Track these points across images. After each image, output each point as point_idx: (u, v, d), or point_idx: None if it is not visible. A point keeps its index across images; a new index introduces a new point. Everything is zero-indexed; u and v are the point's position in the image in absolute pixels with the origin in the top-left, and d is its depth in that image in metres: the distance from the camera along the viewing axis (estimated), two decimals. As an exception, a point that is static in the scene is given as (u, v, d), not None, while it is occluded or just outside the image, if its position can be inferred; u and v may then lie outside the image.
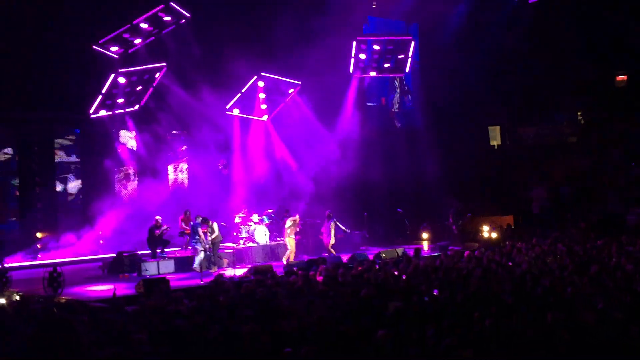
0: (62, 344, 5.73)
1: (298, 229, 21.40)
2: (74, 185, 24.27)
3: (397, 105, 31.54)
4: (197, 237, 19.31)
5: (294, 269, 16.52)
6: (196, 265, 19.11)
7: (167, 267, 19.57)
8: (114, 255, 20.05)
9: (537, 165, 31.09)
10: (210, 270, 19.04)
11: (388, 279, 13.48)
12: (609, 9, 30.10)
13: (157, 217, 20.19)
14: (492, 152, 32.98)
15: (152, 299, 12.27)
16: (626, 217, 25.29)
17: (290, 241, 21.01)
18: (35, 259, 21.48)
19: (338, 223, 22.06)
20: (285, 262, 19.47)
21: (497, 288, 11.93)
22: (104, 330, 9.59)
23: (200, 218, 19.66)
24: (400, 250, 20.97)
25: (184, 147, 25.32)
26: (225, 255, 20.92)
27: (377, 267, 15.88)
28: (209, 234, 19.60)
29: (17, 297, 14.30)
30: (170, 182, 25.80)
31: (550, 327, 8.80)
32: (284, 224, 22.84)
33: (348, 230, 22.62)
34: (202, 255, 19.08)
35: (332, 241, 21.84)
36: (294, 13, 23.90)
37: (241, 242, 22.33)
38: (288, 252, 20.99)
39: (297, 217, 21.40)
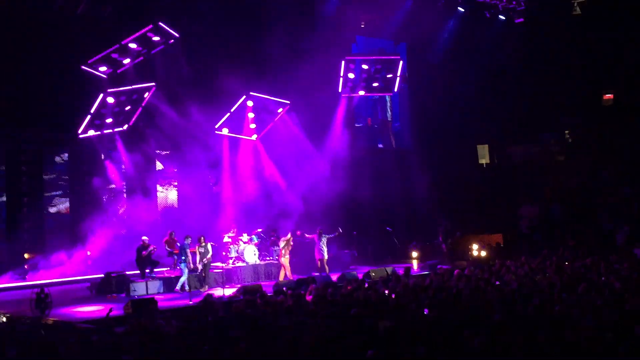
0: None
1: (290, 248, 21.40)
2: (62, 205, 24.14)
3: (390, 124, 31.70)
4: (184, 257, 19.30)
5: (284, 288, 16.49)
6: (179, 286, 19.12)
7: (155, 287, 19.49)
8: (102, 275, 19.93)
9: (526, 184, 31.23)
10: (201, 290, 18.98)
11: (378, 298, 13.45)
12: (595, 28, 30.46)
13: (144, 238, 20.13)
14: (481, 171, 33.11)
15: (141, 319, 12.19)
16: (616, 236, 25.37)
17: (285, 261, 21.05)
18: (23, 279, 21.29)
19: (326, 237, 21.90)
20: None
21: (487, 307, 11.94)
22: (92, 352, 9.52)
23: (189, 239, 19.63)
24: (389, 269, 20.93)
25: (175, 169, 25.26)
26: (214, 275, 20.85)
27: (366, 286, 15.86)
28: (198, 254, 19.59)
29: (4, 319, 14.19)
30: (159, 202, 25.71)
31: (541, 346, 8.80)
32: (272, 243, 22.88)
33: (340, 231, 22.38)
34: (185, 276, 19.10)
35: (325, 257, 21.76)
36: (283, 33, 23.99)
37: (230, 261, 22.25)
38: (284, 272, 21.03)
39: (289, 236, 21.42)
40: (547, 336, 9.11)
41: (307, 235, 22.57)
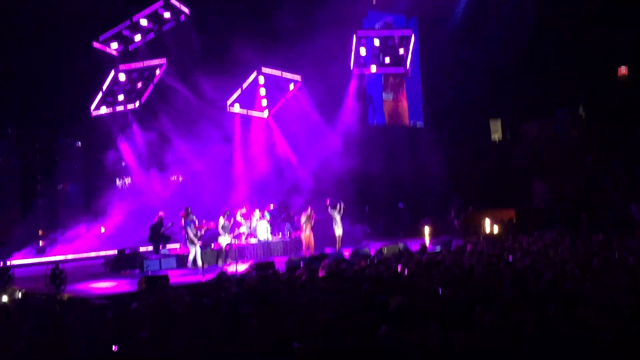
0: (59, 345, 5.76)
1: (312, 223, 21.45)
2: (76, 183, 24.26)
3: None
4: (187, 235, 19.33)
5: (296, 264, 16.55)
6: (190, 264, 19.15)
7: (169, 263, 19.61)
8: (116, 252, 20.07)
9: (539, 160, 31.05)
10: (218, 265, 19.07)
11: (390, 275, 13.48)
12: (610, 1, 30.06)
13: (161, 213, 20.14)
14: (494, 147, 32.94)
15: (154, 295, 12.28)
16: (630, 212, 25.24)
17: (306, 237, 21.14)
18: (37, 256, 21.50)
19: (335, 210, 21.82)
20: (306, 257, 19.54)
21: (499, 283, 11.94)
22: (107, 328, 9.61)
23: (192, 215, 19.50)
24: (401, 246, 20.94)
25: (187, 146, 25.27)
26: (226, 251, 20.97)
27: (379, 262, 15.88)
28: (199, 230, 19.43)
29: (20, 295, 14.35)
30: (172, 179, 25.78)
31: (552, 321, 8.80)
32: (283, 219, 22.92)
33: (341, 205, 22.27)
34: (192, 252, 19.13)
35: (340, 232, 21.77)
36: (294, 8, 23.87)
37: (243, 237, 22.35)
38: (307, 248, 21.13)
39: (309, 210, 21.46)
40: (558, 312, 9.11)
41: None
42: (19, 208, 22.97)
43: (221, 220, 20.08)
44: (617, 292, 10.59)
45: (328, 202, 22.03)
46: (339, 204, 21.82)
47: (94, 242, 22.53)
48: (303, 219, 21.33)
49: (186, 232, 19.27)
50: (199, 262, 19.12)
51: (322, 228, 22.65)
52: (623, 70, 31.75)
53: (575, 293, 10.68)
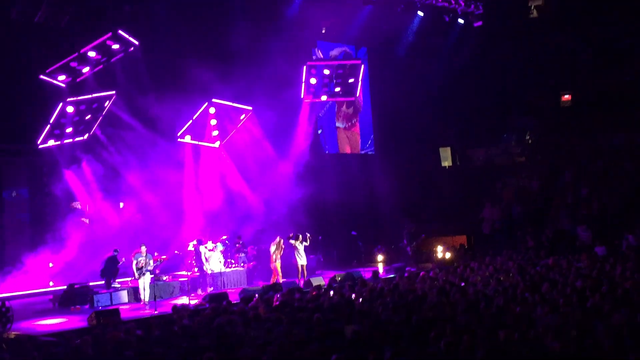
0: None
1: (281, 252, 21.39)
2: (22, 217, 23.72)
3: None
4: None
5: (250, 295, 16.46)
6: (142, 297, 18.79)
7: (120, 298, 19.29)
8: (65, 287, 19.65)
9: (488, 186, 31.59)
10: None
11: (344, 303, 13.48)
12: (552, 30, 31.02)
13: (143, 246, 19.60)
14: (444, 173, 33.41)
15: (105, 331, 12.05)
16: (577, 235, 25.78)
17: (277, 265, 21.06)
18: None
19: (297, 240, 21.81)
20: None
21: (452, 308, 12.05)
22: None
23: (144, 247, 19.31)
24: (355, 274, 21.00)
25: (137, 177, 24.98)
26: (178, 283, 20.73)
27: (332, 290, 15.88)
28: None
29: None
30: (122, 211, 25.40)
31: (503, 345, 8.91)
32: (237, 250, 22.80)
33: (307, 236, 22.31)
34: (141, 285, 18.80)
35: (303, 261, 21.67)
36: (245, 36, 23.97)
37: (195, 269, 22.12)
38: (275, 277, 21.02)
39: (278, 239, 21.41)
40: (510, 335, 9.23)
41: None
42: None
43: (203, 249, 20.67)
44: (566, 312, 10.79)
45: (291, 234, 21.97)
46: (301, 235, 21.81)
47: (42, 278, 22.01)
48: (272, 248, 21.32)
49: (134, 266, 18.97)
50: (144, 297, 18.71)
51: (284, 258, 22.64)
52: (566, 96, 32.70)
53: (526, 316, 10.84)
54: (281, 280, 20.76)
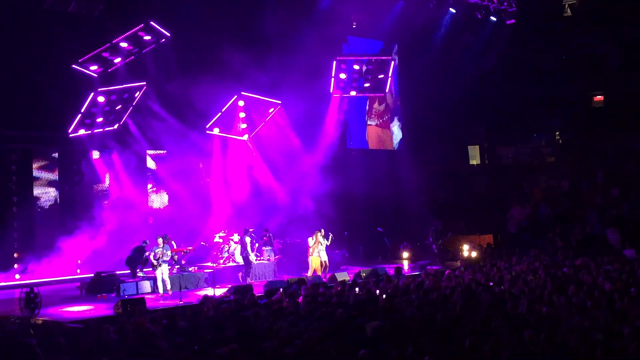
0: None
1: (318, 247, 21.46)
2: (52, 204, 24.02)
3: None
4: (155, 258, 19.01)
5: (275, 289, 16.49)
6: (160, 290, 18.80)
7: (146, 287, 19.42)
8: (92, 275, 19.86)
9: (516, 185, 31.34)
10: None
11: (368, 299, 13.46)
12: (586, 29, 30.62)
13: (159, 238, 19.60)
14: (472, 172, 33.20)
15: (131, 319, 12.15)
16: (606, 237, 25.51)
17: (314, 260, 21.11)
18: (12, 279, 21.20)
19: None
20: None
21: (477, 307, 11.97)
22: (81, 352, 9.49)
23: (160, 239, 19.19)
24: (380, 270, 20.97)
25: (166, 168, 25.13)
26: (204, 275, 20.85)
27: (357, 286, 15.86)
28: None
29: (-7, 319, 14.13)
30: (150, 201, 25.63)
31: (528, 346, 8.84)
32: (263, 243, 22.83)
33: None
34: (158, 277, 18.82)
35: (325, 257, 21.66)
36: (277, 28, 24.01)
37: (221, 261, 22.24)
38: (310, 269, 21.19)
39: (317, 233, 21.48)
40: (536, 336, 9.15)
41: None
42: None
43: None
44: (593, 315, 10.66)
45: (322, 230, 22.01)
46: (327, 234, 21.84)
47: (70, 265, 22.27)
48: (311, 241, 21.49)
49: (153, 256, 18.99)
50: (168, 287, 18.74)
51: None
52: (598, 97, 32.32)
53: (553, 317, 10.74)
54: (320, 274, 20.78)
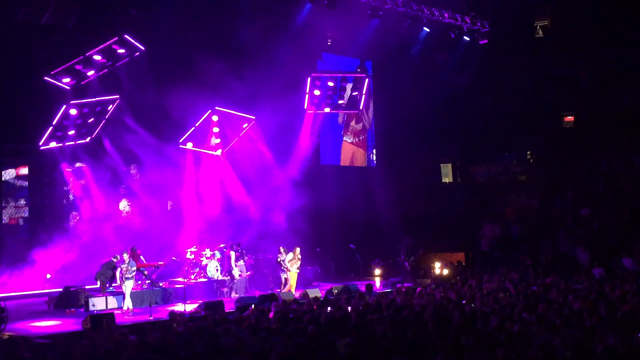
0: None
1: (299, 263, 21.64)
2: (21, 218, 23.71)
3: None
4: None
5: (246, 305, 16.42)
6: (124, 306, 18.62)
7: (115, 302, 19.21)
8: (61, 289, 19.60)
9: (488, 203, 31.60)
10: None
11: (339, 316, 13.44)
12: (557, 50, 31.10)
13: (125, 253, 19.37)
14: (444, 189, 33.41)
15: (99, 334, 12.01)
16: (576, 255, 25.81)
17: (292, 275, 21.05)
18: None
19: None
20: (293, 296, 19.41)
21: (448, 325, 12.00)
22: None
23: (126, 254, 19.07)
24: (352, 287, 21.00)
25: (137, 182, 24.94)
26: (175, 290, 20.69)
27: (329, 303, 15.84)
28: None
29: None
30: (121, 216, 25.39)
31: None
32: (236, 258, 22.75)
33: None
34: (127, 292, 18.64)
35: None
36: (250, 46, 24.02)
37: (192, 276, 22.09)
38: (288, 286, 21.06)
39: (296, 249, 21.57)
40: (508, 355, 9.19)
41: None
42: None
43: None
44: (563, 333, 10.75)
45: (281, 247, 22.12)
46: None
47: (38, 280, 21.97)
48: (290, 256, 21.54)
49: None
50: (126, 302, 18.54)
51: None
52: (569, 117, 32.81)
53: (523, 335, 10.80)
54: (293, 292, 20.75)
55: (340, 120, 30.29)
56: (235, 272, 21.66)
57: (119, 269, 18.71)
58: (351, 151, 31.33)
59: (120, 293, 19.36)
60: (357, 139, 31.45)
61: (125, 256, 18.83)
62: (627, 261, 23.33)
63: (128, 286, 18.54)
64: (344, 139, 30.93)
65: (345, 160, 31.05)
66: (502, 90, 31.53)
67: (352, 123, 31.17)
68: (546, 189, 31.10)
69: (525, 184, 32.45)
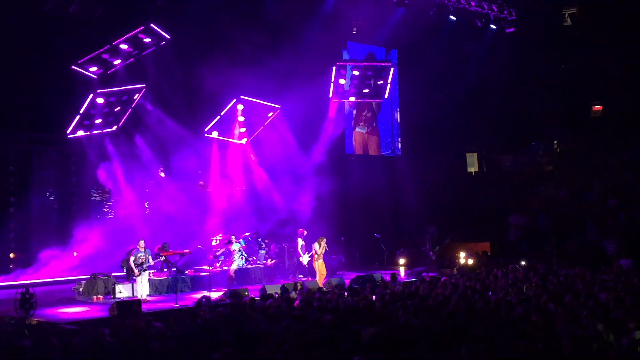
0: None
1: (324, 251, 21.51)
2: (49, 206, 24.00)
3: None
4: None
5: (270, 293, 16.48)
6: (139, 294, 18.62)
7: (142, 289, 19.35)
8: (88, 276, 19.82)
9: (514, 193, 31.35)
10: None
11: (364, 304, 13.44)
12: (585, 39, 30.66)
13: (141, 241, 19.50)
14: (470, 179, 33.21)
15: (126, 321, 12.13)
16: (603, 246, 25.54)
17: (320, 265, 21.04)
18: (7, 279, 21.16)
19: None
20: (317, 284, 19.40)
21: (473, 314, 11.95)
22: (75, 354, 9.46)
23: (142, 242, 19.09)
24: (377, 276, 20.96)
25: (161, 169, 25.10)
26: (201, 278, 20.82)
27: (353, 292, 15.85)
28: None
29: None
30: (147, 204, 25.58)
31: (524, 355, 8.82)
32: (260, 247, 22.85)
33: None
34: (138, 281, 18.60)
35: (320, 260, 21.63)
36: (276, 35, 23.99)
37: (217, 264, 22.22)
38: (318, 274, 21.05)
39: (323, 238, 21.46)
40: (531, 346, 9.14)
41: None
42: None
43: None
44: (588, 324, 10.65)
45: (303, 232, 22.12)
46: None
47: (66, 266, 22.23)
48: (317, 246, 21.34)
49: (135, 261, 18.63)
50: (139, 292, 18.54)
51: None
52: (597, 107, 32.37)
53: (548, 326, 10.73)
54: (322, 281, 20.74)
55: (346, 109, 29.83)
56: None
57: (133, 257, 18.47)
58: (363, 140, 31.01)
59: (148, 281, 19.45)
60: (370, 128, 31.16)
61: (141, 244, 18.75)
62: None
63: (146, 276, 18.62)
64: (356, 129, 30.52)
65: (358, 149, 30.68)
66: (529, 79, 31.20)
67: (364, 112, 30.79)
68: (574, 179, 30.77)
69: (552, 174, 32.14)
